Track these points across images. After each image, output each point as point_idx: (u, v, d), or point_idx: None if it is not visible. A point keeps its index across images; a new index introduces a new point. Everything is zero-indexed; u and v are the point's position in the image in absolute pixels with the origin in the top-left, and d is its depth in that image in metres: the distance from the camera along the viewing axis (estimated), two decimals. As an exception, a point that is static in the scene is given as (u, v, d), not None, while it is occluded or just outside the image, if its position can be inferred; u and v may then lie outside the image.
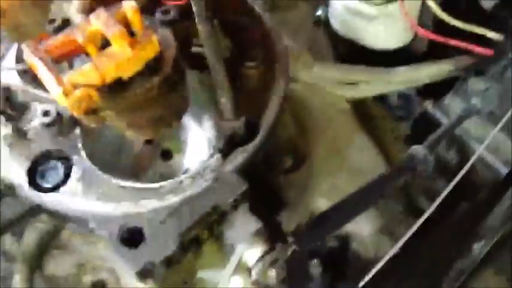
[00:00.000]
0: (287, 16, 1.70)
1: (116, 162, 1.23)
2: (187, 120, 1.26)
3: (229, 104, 1.05)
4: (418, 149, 1.18)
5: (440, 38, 1.37)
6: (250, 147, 1.08)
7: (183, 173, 1.13)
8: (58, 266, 1.31)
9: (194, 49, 1.12)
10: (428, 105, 1.44)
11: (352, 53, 1.58)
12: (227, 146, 1.08)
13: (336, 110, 1.54)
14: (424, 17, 1.42)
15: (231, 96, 1.04)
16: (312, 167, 1.44)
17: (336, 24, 1.54)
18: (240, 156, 1.08)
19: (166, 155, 1.29)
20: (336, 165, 1.47)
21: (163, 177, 1.12)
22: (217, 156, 1.07)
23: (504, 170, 1.34)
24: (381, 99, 1.66)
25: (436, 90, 1.47)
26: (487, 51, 1.36)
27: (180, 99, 1.07)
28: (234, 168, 1.07)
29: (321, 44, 1.65)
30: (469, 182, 1.43)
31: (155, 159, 1.28)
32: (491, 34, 1.34)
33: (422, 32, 1.36)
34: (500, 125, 1.25)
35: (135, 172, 1.26)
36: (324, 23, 1.59)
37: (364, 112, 1.66)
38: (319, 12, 1.56)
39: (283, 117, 1.25)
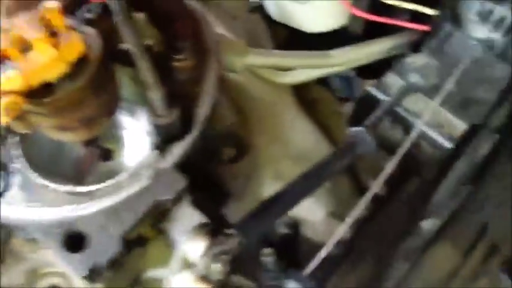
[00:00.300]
0: (223, 3, 1.68)
1: (56, 166, 1.21)
2: (124, 118, 1.25)
3: (159, 100, 1.04)
4: (356, 131, 1.17)
5: (375, 17, 1.37)
6: (187, 140, 1.08)
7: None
8: (10, 276, 1.30)
9: (122, 45, 1.10)
10: (370, 85, 1.44)
11: (290, 38, 1.58)
12: (163, 141, 1.08)
13: (277, 95, 1.53)
14: (359, -3, 1.42)
15: (160, 93, 1.02)
16: (256, 156, 1.43)
17: (270, 9, 1.53)
18: (176, 151, 1.07)
19: (107, 155, 1.27)
20: (280, 152, 1.47)
21: (106, 178, 1.10)
22: (154, 153, 1.07)
23: (449, 146, 1.34)
24: (323, 81, 1.67)
25: (378, 69, 1.46)
26: (423, 27, 1.36)
27: (110, 98, 1.05)
28: (172, 163, 1.07)
29: (258, 31, 1.64)
30: (415, 159, 1.44)
31: (96, 160, 1.26)
32: (426, 10, 1.33)
33: (356, 12, 1.36)
34: (438, 99, 1.25)
35: (77, 175, 1.24)
36: (260, 9, 1.57)
37: (308, 96, 1.66)
38: (253, -1, 1.54)
39: (219, 108, 1.24)
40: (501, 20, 1.18)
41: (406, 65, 1.33)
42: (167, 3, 1.18)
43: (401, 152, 1.20)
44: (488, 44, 1.22)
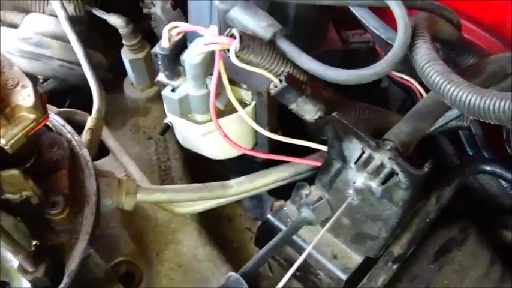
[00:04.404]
0: (139, 121, 1.76)
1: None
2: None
3: (23, 260, 1.06)
4: (233, 278, 1.17)
5: (265, 155, 1.41)
6: (54, 293, 1.10)
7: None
8: None
9: (4, 196, 1.14)
10: (274, 209, 1.45)
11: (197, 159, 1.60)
12: (34, 293, 1.10)
13: (180, 223, 1.57)
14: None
15: (23, 254, 1.04)
16: (156, 283, 1.47)
17: (177, 136, 1.56)
18: (43, 304, 1.10)
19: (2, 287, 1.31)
20: (179, 280, 1.49)
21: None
22: (21, 305, 1.09)
23: (343, 277, 1.35)
24: (238, 199, 1.69)
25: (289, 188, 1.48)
26: (314, 162, 1.38)
27: None
28: (38, 316, 1.09)
29: (170, 151, 1.70)
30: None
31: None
32: (315, 145, 1.35)
33: (243, 150, 1.37)
34: (325, 228, 1.24)
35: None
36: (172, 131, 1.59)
37: (222, 212, 1.71)
38: (166, 120, 1.54)
39: (116, 239, 1.29)
40: (379, 169, 1.18)
41: (300, 197, 1.34)
42: (48, 155, 1.20)
43: (288, 274, 1.19)
44: (368, 190, 1.22)
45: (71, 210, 1.15)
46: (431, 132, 1.39)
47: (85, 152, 1.26)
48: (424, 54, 1.20)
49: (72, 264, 1.12)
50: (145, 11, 1.72)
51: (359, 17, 1.34)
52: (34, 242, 1.10)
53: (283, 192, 1.52)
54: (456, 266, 1.43)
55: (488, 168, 1.52)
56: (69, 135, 1.28)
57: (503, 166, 1.50)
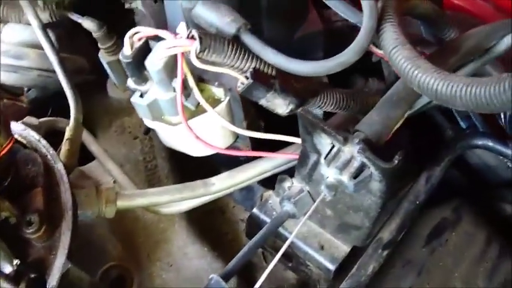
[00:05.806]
0: (125, 121, 1.76)
1: None
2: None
3: (4, 281, 1.07)
4: (214, 279, 1.18)
5: (239, 153, 1.39)
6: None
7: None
8: None
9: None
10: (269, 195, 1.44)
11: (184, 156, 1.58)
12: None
13: (169, 221, 1.59)
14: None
15: (3, 277, 1.06)
16: (146, 286, 1.49)
17: (159, 136, 1.54)
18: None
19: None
20: (171, 279, 1.52)
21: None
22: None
23: (332, 267, 1.35)
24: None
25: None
26: (293, 155, 1.37)
27: None
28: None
29: (156, 149, 1.70)
30: (309, 276, 1.46)
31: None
32: (291, 139, 1.31)
33: (216, 149, 1.34)
34: (303, 220, 1.24)
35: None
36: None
37: (214, 204, 1.69)
38: (149, 121, 1.55)
39: (106, 245, 1.31)
40: (349, 163, 1.14)
41: (283, 189, 1.33)
42: (24, 172, 1.22)
43: (273, 263, 1.18)
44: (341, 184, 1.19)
45: (47, 227, 1.17)
46: (410, 114, 1.36)
47: (60, 166, 1.27)
48: (391, 39, 1.14)
49: (52, 280, 1.14)
50: (126, 6, 1.71)
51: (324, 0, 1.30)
52: (15, 262, 1.13)
53: (273, 181, 1.52)
54: (450, 247, 1.43)
55: (480, 142, 1.50)
56: (44, 150, 1.29)
57: (496, 139, 1.48)
